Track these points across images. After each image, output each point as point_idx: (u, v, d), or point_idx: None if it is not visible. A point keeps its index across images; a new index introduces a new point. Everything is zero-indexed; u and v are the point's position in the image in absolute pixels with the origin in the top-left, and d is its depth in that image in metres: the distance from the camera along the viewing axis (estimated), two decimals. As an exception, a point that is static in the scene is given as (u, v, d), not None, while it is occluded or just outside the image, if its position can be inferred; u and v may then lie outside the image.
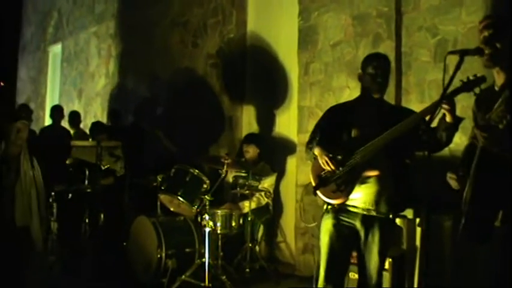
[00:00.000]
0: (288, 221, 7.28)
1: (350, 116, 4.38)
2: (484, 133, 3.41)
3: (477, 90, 3.71)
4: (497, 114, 3.44)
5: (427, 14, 5.82)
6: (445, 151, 4.52)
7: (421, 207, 4.99)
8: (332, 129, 4.40)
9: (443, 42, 5.67)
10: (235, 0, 8.28)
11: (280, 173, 7.31)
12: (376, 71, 4.35)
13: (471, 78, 3.73)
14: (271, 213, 7.06)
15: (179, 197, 6.11)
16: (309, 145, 4.46)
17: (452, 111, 3.86)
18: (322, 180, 4.28)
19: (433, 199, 4.76)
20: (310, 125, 6.66)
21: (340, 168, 4.19)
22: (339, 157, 4.22)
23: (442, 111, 3.85)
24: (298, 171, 6.95)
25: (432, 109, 3.87)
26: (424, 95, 5.78)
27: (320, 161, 4.29)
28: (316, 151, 4.33)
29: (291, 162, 7.31)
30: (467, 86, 3.73)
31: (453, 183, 3.72)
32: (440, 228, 4.96)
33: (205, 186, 6.19)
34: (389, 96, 5.77)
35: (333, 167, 4.20)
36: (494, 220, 3.47)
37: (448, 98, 3.74)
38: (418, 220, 5.08)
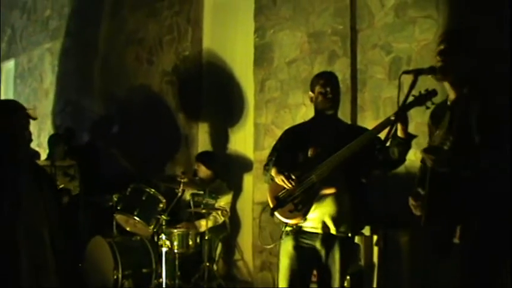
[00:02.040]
0: (246, 238, 7.24)
1: (305, 136, 4.43)
2: (431, 156, 3.45)
3: (429, 104, 3.75)
4: (441, 136, 3.48)
5: (381, 31, 5.88)
6: (401, 168, 4.57)
7: (378, 224, 5.05)
8: (288, 151, 4.45)
9: (397, 60, 5.72)
10: (190, 17, 8.25)
11: (237, 191, 7.27)
12: (325, 88, 4.39)
13: (423, 92, 3.78)
14: (229, 231, 7.02)
15: (135, 217, 6.07)
16: (266, 167, 4.49)
17: (404, 126, 3.89)
18: (280, 201, 4.30)
19: (390, 215, 4.83)
20: (267, 142, 6.70)
21: (297, 188, 4.21)
22: (295, 177, 4.23)
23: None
24: (254, 188, 6.93)
25: (385, 124, 3.91)
26: (379, 112, 5.82)
27: (277, 180, 4.30)
28: (273, 172, 4.35)
29: (248, 180, 7.28)
30: (419, 100, 3.78)
31: (414, 210, 3.75)
32: (398, 244, 4.99)
33: (161, 205, 6.17)
34: (345, 114, 5.82)
35: (290, 185, 4.21)
36: (452, 236, 3.50)
37: (400, 112, 3.78)
38: (375, 237, 5.11)
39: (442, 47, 3.71)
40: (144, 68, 8.97)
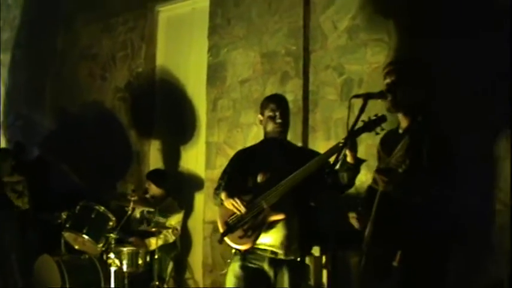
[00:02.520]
0: (196, 257, 7.20)
1: (255, 160, 4.42)
2: (384, 177, 3.49)
3: (379, 130, 3.79)
4: (396, 159, 3.53)
5: (334, 53, 5.94)
6: (351, 189, 4.61)
7: (328, 244, 5.07)
8: (238, 174, 4.42)
9: (349, 81, 5.79)
10: (144, 34, 8.22)
11: (188, 209, 7.21)
12: (275, 112, 4.40)
13: (372, 118, 3.82)
14: (179, 249, 6.96)
15: (84, 235, 5.98)
16: (216, 191, 4.46)
17: (353, 152, 3.93)
18: (230, 227, 4.27)
19: (340, 236, 4.86)
20: (218, 161, 6.69)
21: (247, 213, 4.20)
22: (245, 203, 4.22)
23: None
24: (205, 207, 6.91)
25: (334, 150, 3.94)
26: (331, 133, 5.86)
27: (227, 204, 4.28)
28: (223, 196, 4.32)
29: (199, 199, 7.25)
30: (368, 126, 3.81)
31: (354, 223, 3.79)
32: (347, 264, 5.02)
33: (111, 223, 6.10)
34: (296, 134, 5.87)
35: (240, 210, 4.19)
36: (393, 260, 3.55)
37: (349, 138, 3.81)
38: (324, 258, 5.13)
39: (389, 80, 3.76)
40: (97, 84, 8.90)
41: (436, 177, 3.49)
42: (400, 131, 3.82)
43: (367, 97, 3.77)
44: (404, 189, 3.51)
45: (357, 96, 3.84)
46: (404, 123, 3.80)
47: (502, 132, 4.73)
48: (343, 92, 5.81)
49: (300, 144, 5.94)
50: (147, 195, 6.97)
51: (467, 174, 4.17)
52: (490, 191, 4.76)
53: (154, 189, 6.94)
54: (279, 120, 4.40)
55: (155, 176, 7.09)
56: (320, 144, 5.92)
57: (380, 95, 3.76)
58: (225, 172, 4.58)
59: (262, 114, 4.53)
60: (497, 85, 4.75)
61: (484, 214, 4.75)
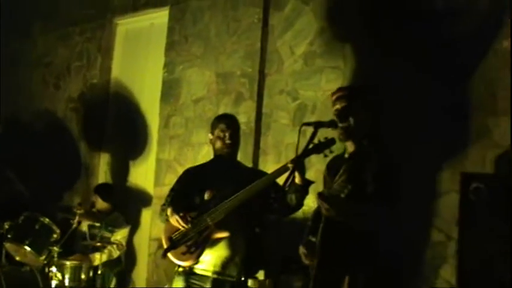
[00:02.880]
0: (140, 274, 7.11)
1: (203, 179, 4.43)
2: (325, 203, 3.50)
3: (327, 152, 3.83)
4: (339, 184, 3.54)
5: (289, 77, 5.98)
6: (299, 212, 4.63)
7: (273, 268, 5.07)
8: (186, 192, 4.44)
9: (302, 107, 5.83)
10: (101, 45, 8.16)
11: (134, 225, 7.14)
12: (224, 132, 4.43)
13: (322, 140, 3.85)
14: (123, 265, 6.88)
15: (26, 247, 5.87)
16: (163, 206, 4.47)
17: (301, 173, 3.95)
18: (173, 243, 4.27)
19: (285, 260, 4.86)
20: (168, 179, 6.65)
21: (191, 230, 4.19)
22: (190, 219, 4.22)
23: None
24: (152, 224, 6.84)
25: (282, 171, 3.96)
26: (281, 156, 5.87)
27: (172, 220, 4.28)
28: (169, 211, 4.32)
29: (146, 215, 7.18)
30: (317, 148, 3.84)
31: (303, 258, 3.79)
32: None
33: (55, 236, 6.01)
34: (247, 156, 5.88)
35: (184, 225, 4.19)
36: (340, 285, 3.55)
37: (298, 159, 3.84)
38: (267, 281, 5.12)
39: (339, 105, 3.80)
40: (49, 92, 8.77)
41: (381, 204, 3.52)
42: (346, 155, 3.85)
43: (317, 125, 3.81)
44: (347, 215, 3.53)
45: (307, 124, 3.88)
46: (350, 147, 3.83)
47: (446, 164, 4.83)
48: (296, 117, 5.84)
49: (250, 166, 5.94)
50: (94, 209, 6.89)
51: (410, 202, 4.25)
52: (431, 221, 4.83)
53: (101, 203, 6.86)
54: (228, 141, 4.45)
55: (102, 190, 7.02)
56: (270, 167, 5.89)
57: (330, 124, 3.79)
58: (173, 189, 4.62)
59: (212, 133, 4.59)
60: (443, 117, 4.86)
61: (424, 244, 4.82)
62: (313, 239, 3.71)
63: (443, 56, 4.95)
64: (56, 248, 5.83)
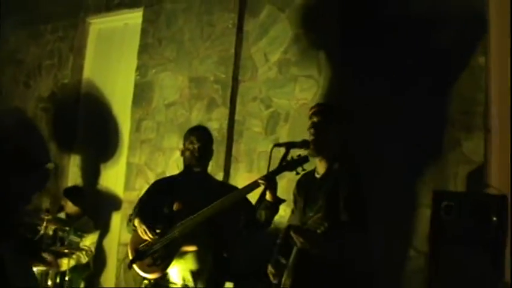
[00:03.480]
0: (109, 278, 7.02)
1: (172, 190, 4.37)
2: (300, 238, 3.46)
3: (300, 170, 3.79)
4: (314, 221, 3.48)
5: (262, 85, 5.94)
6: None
7: (241, 280, 5.02)
8: (154, 202, 4.36)
9: (275, 115, 5.79)
10: (73, 45, 8.05)
11: (104, 230, 7.05)
12: (194, 145, 4.36)
13: (294, 157, 3.82)
14: (92, 270, 6.78)
15: (-9, 253, 5.74)
16: (130, 217, 4.39)
17: (272, 191, 3.90)
18: (139, 254, 4.21)
19: (254, 271, 4.81)
20: (138, 183, 6.59)
21: (158, 242, 4.13)
22: (158, 230, 4.15)
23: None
24: (122, 229, 6.75)
25: (252, 187, 3.92)
26: (253, 165, 5.84)
27: (139, 231, 4.21)
28: (136, 222, 4.25)
29: (116, 219, 7.08)
30: (289, 166, 3.81)
31: (271, 277, 3.76)
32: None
33: (22, 241, 5.88)
34: (219, 163, 5.84)
35: (150, 237, 4.13)
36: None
37: (269, 176, 3.80)
38: (236, 293, 5.08)
39: (315, 119, 3.76)
40: (20, 91, 8.64)
41: (355, 232, 3.49)
42: (317, 175, 3.81)
43: (289, 146, 3.78)
44: (320, 248, 3.50)
45: (279, 145, 3.85)
46: (321, 168, 3.80)
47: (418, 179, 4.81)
48: (269, 125, 5.81)
49: (221, 173, 5.91)
50: (63, 213, 6.79)
51: (382, 217, 4.24)
52: (403, 237, 4.82)
53: (70, 207, 6.77)
54: (196, 154, 4.37)
55: (73, 193, 6.92)
56: (242, 176, 5.90)
57: (303, 144, 3.75)
58: (141, 200, 4.55)
59: (183, 144, 4.51)
60: (416, 131, 4.84)
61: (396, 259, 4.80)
62: (283, 261, 3.67)
63: (417, 69, 4.94)
64: (22, 256, 5.72)
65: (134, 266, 4.22)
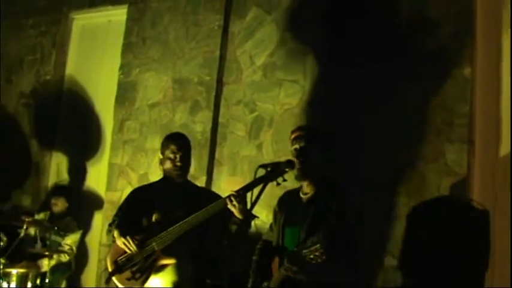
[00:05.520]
0: (90, 278, 6.97)
1: (152, 200, 4.29)
2: (294, 267, 3.45)
3: (280, 180, 3.76)
4: (312, 253, 3.41)
5: (247, 88, 5.92)
6: (252, 227, 4.58)
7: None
8: (133, 213, 4.29)
9: (259, 119, 5.79)
10: (56, 41, 7.94)
11: (86, 229, 7.00)
12: (175, 154, 4.29)
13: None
14: (73, 269, 6.72)
15: (-30, 256, 5.69)
16: (110, 227, 4.32)
17: (237, 209, 3.82)
18: (118, 267, 4.15)
19: (237, 278, 4.79)
20: (120, 184, 6.54)
21: (137, 254, 4.08)
22: (136, 242, 4.09)
23: None
24: (103, 229, 6.68)
25: (224, 202, 3.86)
26: (237, 168, 5.83)
27: (119, 243, 4.15)
28: (115, 233, 4.18)
29: (97, 219, 7.03)
30: (270, 176, 3.76)
31: None
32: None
33: (1, 243, 5.84)
34: (202, 166, 5.83)
35: (131, 249, 4.07)
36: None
37: (235, 195, 3.76)
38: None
39: (298, 145, 3.75)
40: (1, 86, 8.50)
41: (345, 257, 3.51)
42: (302, 196, 3.80)
43: (274, 166, 3.75)
44: (309, 273, 3.50)
45: (264, 165, 3.80)
46: (307, 189, 3.79)
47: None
48: (253, 129, 5.80)
49: (204, 177, 5.88)
50: (44, 212, 6.75)
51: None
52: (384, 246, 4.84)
53: (60, 206, 6.77)
54: (178, 163, 4.29)
55: (64, 190, 7.01)
56: (225, 179, 5.89)
57: (287, 165, 3.72)
58: (120, 209, 4.44)
59: (162, 153, 4.39)
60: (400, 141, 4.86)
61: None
62: (265, 284, 3.68)
63: (402, 77, 4.95)
64: (2, 260, 5.65)
65: (113, 278, 4.15)
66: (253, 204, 3.71)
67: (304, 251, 3.37)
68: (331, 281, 3.51)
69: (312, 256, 3.34)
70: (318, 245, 3.32)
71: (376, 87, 5.01)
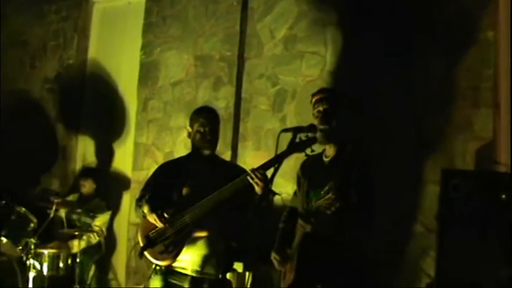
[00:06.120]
0: (120, 259, 7.06)
1: (181, 174, 4.28)
2: (308, 224, 3.45)
3: (309, 151, 3.73)
4: (325, 201, 3.44)
5: (269, 62, 5.90)
6: (278, 200, 4.58)
7: (251, 260, 5.03)
8: (162, 188, 4.27)
9: (282, 92, 5.76)
10: (78, 25, 7.99)
11: (114, 210, 7.06)
12: (204, 127, 4.26)
13: (303, 138, 3.75)
14: (103, 251, 6.77)
15: (2, 238, 5.77)
16: (139, 202, 4.30)
17: (258, 186, 3.79)
18: (150, 241, 4.13)
19: (264, 250, 4.81)
20: (146, 163, 6.58)
21: (169, 228, 4.09)
22: (167, 216, 4.09)
23: None
24: (131, 208, 6.72)
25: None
26: (261, 143, 5.83)
27: (149, 218, 4.15)
28: (145, 209, 4.18)
29: (125, 199, 7.10)
30: (299, 147, 3.74)
31: (277, 265, 3.76)
32: (270, 279, 4.98)
33: (32, 225, 5.92)
34: (226, 142, 5.82)
35: (162, 224, 4.08)
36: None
37: (255, 170, 3.74)
38: (247, 274, 5.09)
39: (321, 107, 3.72)
40: (25, 72, 8.58)
41: (361, 217, 3.49)
42: (325, 159, 3.78)
43: (296, 131, 3.72)
44: (330, 229, 3.49)
45: (286, 130, 3.79)
46: (330, 151, 3.77)
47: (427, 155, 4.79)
48: (276, 103, 5.78)
49: (229, 152, 5.88)
50: (73, 195, 6.81)
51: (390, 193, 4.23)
52: (411, 214, 4.81)
53: (88, 187, 6.87)
54: (208, 137, 4.27)
55: (91, 171, 7.11)
56: (250, 154, 5.89)
57: (310, 129, 3.70)
58: (149, 184, 4.43)
59: (191, 126, 4.36)
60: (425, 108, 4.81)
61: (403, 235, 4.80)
62: (288, 250, 3.69)
63: (425, 43, 4.89)
64: (33, 240, 5.74)
65: (145, 253, 4.16)
66: (272, 177, 3.72)
67: (318, 202, 3.37)
68: (343, 239, 3.51)
69: (325, 205, 3.34)
70: (330, 194, 3.33)
71: (399, 55, 4.95)
